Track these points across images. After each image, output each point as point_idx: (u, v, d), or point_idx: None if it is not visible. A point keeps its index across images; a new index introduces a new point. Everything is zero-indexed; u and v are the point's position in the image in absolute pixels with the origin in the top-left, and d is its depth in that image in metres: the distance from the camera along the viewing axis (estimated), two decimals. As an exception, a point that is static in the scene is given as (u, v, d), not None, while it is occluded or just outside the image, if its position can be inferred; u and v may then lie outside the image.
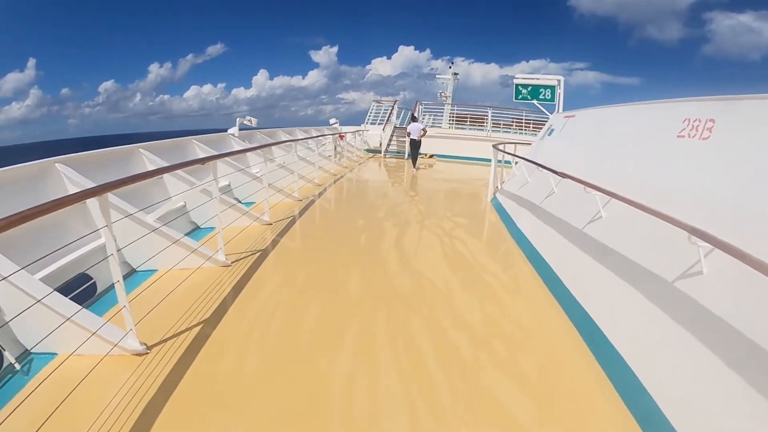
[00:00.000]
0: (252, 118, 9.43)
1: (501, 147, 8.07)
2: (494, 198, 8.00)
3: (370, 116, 18.70)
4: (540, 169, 5.64)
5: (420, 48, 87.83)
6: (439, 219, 6.68)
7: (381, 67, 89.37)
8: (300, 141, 9.72)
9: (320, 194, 8.24)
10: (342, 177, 10.38)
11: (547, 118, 9.39)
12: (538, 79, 9.56)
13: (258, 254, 4.40)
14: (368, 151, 17.41)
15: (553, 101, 9.67)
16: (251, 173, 6.91)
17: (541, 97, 9.62)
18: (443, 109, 21.33)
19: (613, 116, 5.08)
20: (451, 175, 13.11)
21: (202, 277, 3.67)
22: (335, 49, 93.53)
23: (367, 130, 17.54)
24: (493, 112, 17.46)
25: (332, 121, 17.78)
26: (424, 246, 5.17)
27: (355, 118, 18.20)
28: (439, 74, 30.73)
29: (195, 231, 5.33)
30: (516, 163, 7.78)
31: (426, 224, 6.29)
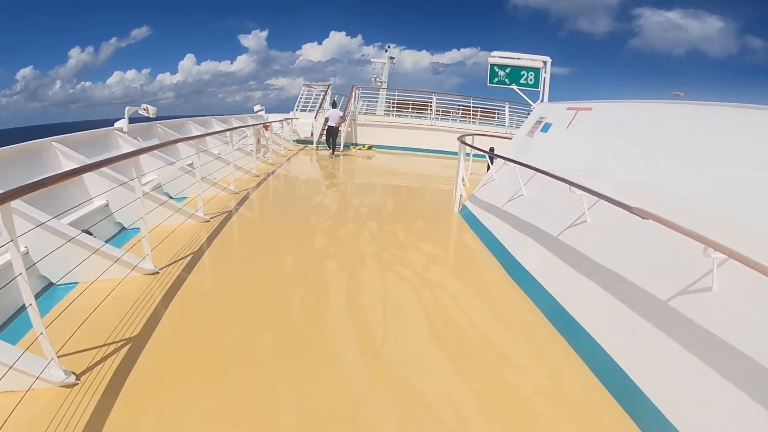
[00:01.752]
0: (149, 107, 7.20)
1: (468, 140, 6.64)
2: (463, 208, 6.47)
3: (300, 103, 16.52)
4: (539, 177, 4.17)
5: (352, 34, 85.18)
6: (399, 247, 5.01)
7: (312, 52, 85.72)
8: (213, 135, 7.58)
9: (237, 207, 6.26)
10: (266, 179, 8.38)
11: (524, 108, 7.95)
12: (519, 59, 7.82)
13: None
14: (298, 142, 15.31)
15: (537, 87, 7.88)
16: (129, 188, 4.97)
17: (522, 81, 7.85)
18: (378, 94, 19.67)
19: (672, 117, 3.55)
20: (396, 171, 11.52)
21: (131, 288, 3.31)
22: (265, 33, 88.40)
23: (297, 119, 15.40)
24: (437, 98, 15.99)
25: (257, 108, 15.44)
26: (392, 308, 3.48)
27: (285, 105, 16.05)
28: (374, 58, 29.11)
29: (121, 233, 4.91)
30: (491, 162, 6.27)
31: (384, 259, 4.57)
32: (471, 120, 16.26)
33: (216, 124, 10.83)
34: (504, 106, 16.06)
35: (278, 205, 7.26)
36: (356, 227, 5.79)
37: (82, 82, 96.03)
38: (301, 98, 16.59)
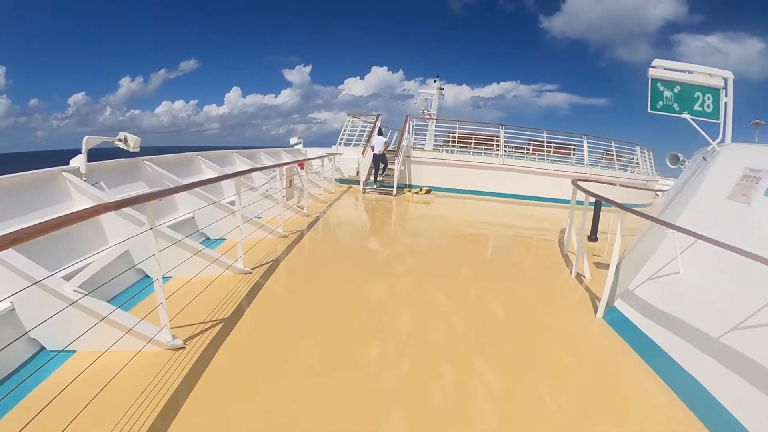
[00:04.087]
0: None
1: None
2: (611, 311, 3.83)
3: (344, 136, 14.19)
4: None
5: (393, 69, 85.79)
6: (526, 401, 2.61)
7: (354, 86, 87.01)
8: (223, 180, 5.13)
9: (251, 295, 3.83)
10: (297, 242, 5.77)
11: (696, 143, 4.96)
12: (691, 72, 4.68)
13: None
14: (341, 181, 12.86)
15: (716, 118, 4.69)
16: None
17: (696, 108, 4.68)
18: (427, 127, 17.15)
19: None
20: (475, 230, 8.68)
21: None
22: (308, 68, 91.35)
23: (341, 154, 12.99)
24: (506, 131, 13.23)
25: (293, 140, 13.13)
26: None
27: (328, 139, 13.77)
28: (422, 89, 26.99)
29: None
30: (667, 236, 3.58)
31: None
32: (546, 157, 13.33)
33: (239, 160, 8.48)
34: (582, 141, 13.18)
35: (283, 332, 4.49)
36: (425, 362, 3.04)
37: (132, 110, 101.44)
38: (345, 131, 14.27)
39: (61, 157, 4.41)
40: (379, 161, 11.75)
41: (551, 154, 13.50)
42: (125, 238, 3.08)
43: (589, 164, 12.89)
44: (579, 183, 6.36)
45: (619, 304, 3.78)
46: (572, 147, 13.91)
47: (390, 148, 11.94)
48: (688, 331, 3.04)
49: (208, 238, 5.58)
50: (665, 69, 4.62)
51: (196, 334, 2.92)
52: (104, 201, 3.86)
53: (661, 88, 4.61)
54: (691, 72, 4.63)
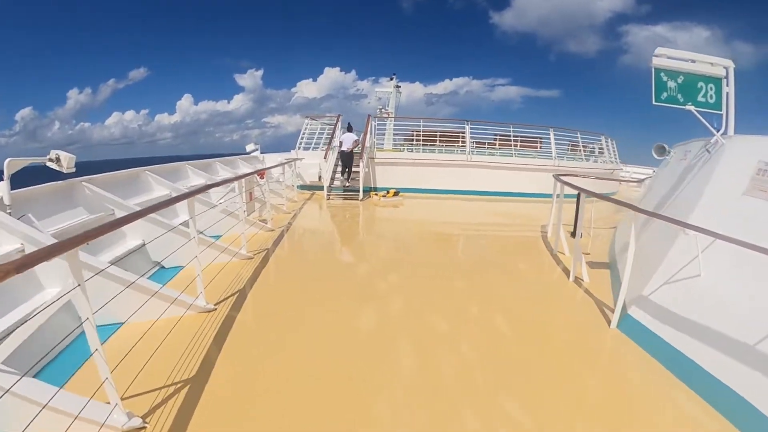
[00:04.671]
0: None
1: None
2: (626, 320, 3.52)
3: (302, 140, 13.50)
4: None
5: (346, 69, 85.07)
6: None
7: (307, 89, 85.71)
8: (174, 203, 4.42)
9: (219, 339, 3.17)
10: (264, 264, 5.14)
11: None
12: (694, 61, 4.39)
13: None
14: (302, 188, 12.20)
15: (718, 108, 4.44)
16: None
17: (700, 98, 4.39)
18: (385, 126, 16.74)
19: None
20: (453, 232, 8.29)
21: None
22: (260, 72, 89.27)
23: (301, 159, 12.31)
24: (471, 127, 12.98)
25: (249, 147, 12.30)
26: None
27: (283, 143, 12.93)
28: (379, 88, 26.55)
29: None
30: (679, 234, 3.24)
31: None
32: (513, 152, 13.21)
33: (192, 173, 7.70)
34: (548, 133, 13.14)
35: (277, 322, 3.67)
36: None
37: (81, 123, 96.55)
38: (303, 134, 13.57)
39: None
40: (348, 160, 11.23)
41: (518, 148, 13.40)
42: (60, 289, 2.82)
43: (557, 156, 12.85)
44: (561, 177, 6.14)
45: (635, 312, 3.45)
46: (539, 140, 13.89)
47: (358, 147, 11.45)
48: (717, 338, 2.77)
49: (163, 267, 4.88)
50: (668, 58, 4.33)
51: (157, 405, 2.34)
52: (35, 239, 3.27)
53: (665, 78, 4.32)
54: (693, 61, 4.37)
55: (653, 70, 4.28)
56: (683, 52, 4.36)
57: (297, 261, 5.73)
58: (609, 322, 3.55)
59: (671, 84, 4.30)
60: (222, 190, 6.49)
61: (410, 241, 7.17)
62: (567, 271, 4.95)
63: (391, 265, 5.55)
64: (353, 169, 11.32)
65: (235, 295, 3.97)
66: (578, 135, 13.77)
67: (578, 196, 6.51)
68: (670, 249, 3.52)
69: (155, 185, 6.26)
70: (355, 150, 11.31)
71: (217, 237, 5.89)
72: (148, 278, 3.67)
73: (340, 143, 11.25)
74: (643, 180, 11.02)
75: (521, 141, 13.61)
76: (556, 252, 5.89)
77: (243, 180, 6.58)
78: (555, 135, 13.13)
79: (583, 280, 4.63)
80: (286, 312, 3.76)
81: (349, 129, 11.58)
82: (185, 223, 4.80)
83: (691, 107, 4.29)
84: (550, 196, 12.11)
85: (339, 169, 11.75)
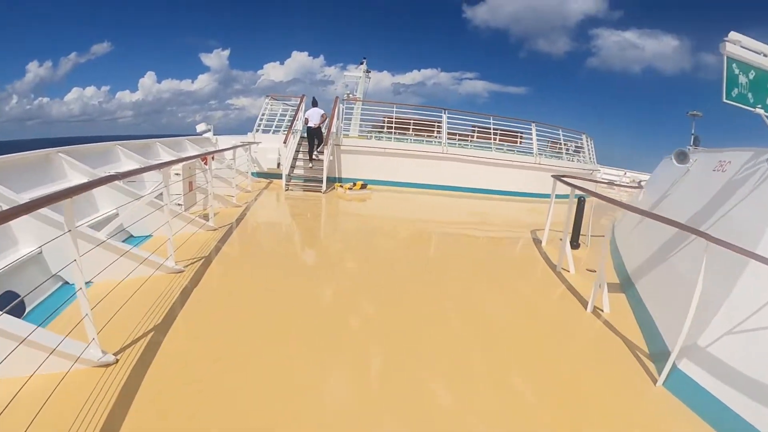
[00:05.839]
0: None
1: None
2: (680, 378, 2.65)
3: (262, 122, 12.13)
4: None
5: (314, 54, 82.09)
6: None
7: (273, 72, 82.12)
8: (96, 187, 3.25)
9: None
10: (199, 280, 3.99)
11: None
12: (766, 55, 3.42)
13: None
14: (258, 175, 10.91)
15: None
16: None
17: None
18: (353, 111, 15.54)
19: None
20: (432, 235, 7.30)
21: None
22: (227, 52, 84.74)
23: (258, 143, 10.98)
24: (449, 116, 12.02)
25: (200, 127, 10.86)
26: None
27: (246, 127, 11.64)
28: (348, 72, 25.14)
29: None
30: None
31: None
32: (493, 146, 12.35)
33: (124, 156, 6.32)
34: (530, 128, 12.40)
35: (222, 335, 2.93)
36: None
37: (40, 98, 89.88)
38: (263, 116, 12.21)
39: None
40: (314, 136, 10.26)
41: (497, 142, 12.57)
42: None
43: (538, 153, 12.13)
44: (567, 179, 5.31)
45: (687, 367, 2.61)
46: (519, 135, 13.13)
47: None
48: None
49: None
50: (742, 47, 3.38)
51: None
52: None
53: (737, 72, 3.37)
54: (766, 55, 3.47)
55: (725, 59, 3.32)
56: (756, 42, 3.43)
57: (246, 279, 4.34)
58: (652, 378, 2.70)
59: (743, 79, 3.39)
60: (160, 177, 5.26)
61: (382, 246, 6.12)
62: (577, 295, 4.13)
63: (363, 280, 4.50)
64: (320, 150, 10.30)
65: (140, 350, 2.82)
66: (560, 132, 13.10)
67: (579, 201, 5.71)
68: (735, 285, 2.67)
69: (68, 168, 4.93)
70: (323, 126, 10.29)
71: (141, 239, 4.68)
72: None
73: (306, 120, 10.23)
74: (639, 184, 10.38)
75: (501, 134, 12.80)
76: (560, 269, 5.00)
77: (181, 165, 5.37)
78: (537, 130, 12.39)
79: (602, 311, 3.78)
80: (215, 372, 2.67)
81: (314, 104, 10.45)
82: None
83: (760, 110, 3.40)
84: (531, 195, 11.55)
85: (300, 156, 10.55)
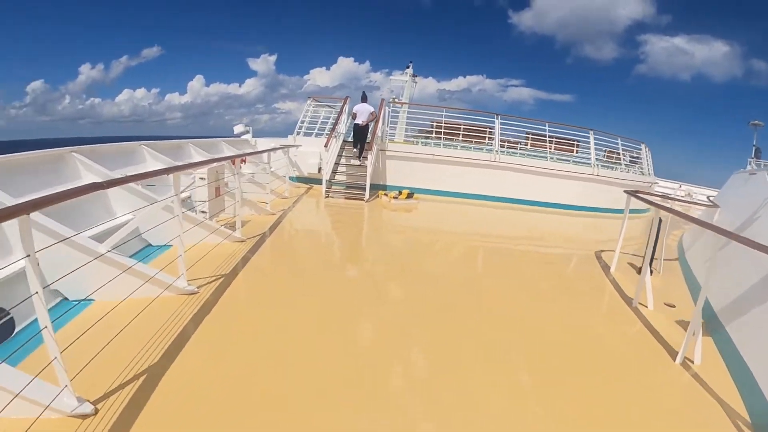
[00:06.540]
0: None
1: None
2: None
3: (303, 124, 11.59)
4: None
5: (359, 60, 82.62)
6: None
7: (319, 77, 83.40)
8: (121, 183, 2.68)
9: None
10: (212, 304, 3.30)
11: None
12: None
13: None
14: (297, 180, 10.33)
15: None
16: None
17: None
18: (398, 115, 14.72)
19: None
20: (490, 258, 6.24)
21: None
22: (274, 57, 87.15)
23: (298, 146, 10.41)
24: (501, 121, 11.02)
25: (238, 128, 10.44)
26: None
27: (291, 130, 11.15)
28: (394, 76, 24.47)
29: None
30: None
31: None
32: (550, 155, 11.24)
33: (150, 156, 5.82)
34: (587, 136, 11.21)
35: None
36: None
37: (92, 99, 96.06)
38: (305, 118, 11.67)
39: (19, 148, 3.98)
40: (360, 135, 9.65)
41: (552, 150, 11.45)
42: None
43: (596, 163, 10.92)
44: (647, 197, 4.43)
45: None
46: (576, 143, 11.97)
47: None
48: None
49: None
50: None
51: (112, 392, 2.14)
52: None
53: None
54: None
55: None
56: None
57: (264, 300, 3.64)
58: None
59: None
60: (186, 180, 4.69)
61: (432, 268, 5.14)
62: (658, 337, 3.41)
63: (405, 314, 3.62)
64: (363, 155, 9.62)
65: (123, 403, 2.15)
66: (619, 141, 11.82)
67: (659, 222, 4.84)
68: None
69: (82, 170, 4.41)
70: (370, 126, 9.67)
71: (159, 249, 4.12)
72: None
73: (354, 115, 9.61)
74: (711, 201, 9.00)
75: (556, 142, 11.66)
76: (637, 304, 4.07)
77: (206, 169, 4.76)
78: (595, 138, 11.19)
79: (692, 362, 3.00)
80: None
81: (364, 99, 9.78)
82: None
83: None
84: (588, 209, 10.43)
85: (342, 161, 9.89)
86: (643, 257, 4.86)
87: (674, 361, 3.00)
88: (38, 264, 3.09)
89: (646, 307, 4.01)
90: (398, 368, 2.65)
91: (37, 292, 1.84)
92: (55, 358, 1.91)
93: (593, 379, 2.79)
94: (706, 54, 62.27)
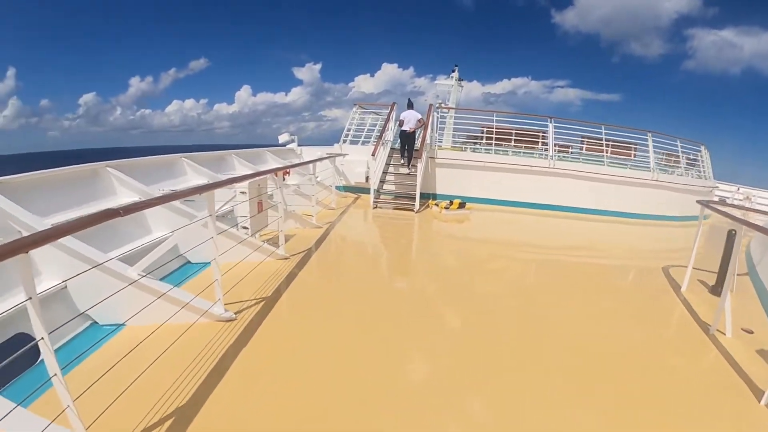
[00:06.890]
0: None
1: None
2: None
3: (350, 132, 11.34)
4: None
5: (403, 66, 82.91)
6: None
7: (364, 84, 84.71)
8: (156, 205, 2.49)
9: None
10: (250, 332, 2.99)
11: None
12: None
13: None
14: (345, 190, 10.06)
15: None
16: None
17: None
18: (444, 123, 14.12)
19: None
20: (549, 267, 5.60)
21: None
22: (319, 65, 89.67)
23: (345, 155, 10.14)
24: (555, 124, 10.25)
25: (283, 138, 10.33)
26: None
27: (338, 137, 10.91)
28: (439, 81, 23.92)
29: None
30: None
31: None
32: (605, 159, 10.35)
33: (189, 169, 5.68)
34: (645, 138, 10.25)
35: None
36: None
37: (142, 110, 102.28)
38: (351, 126, 11.42)
39: (73, 157, 4.19)
40: (407, 142, 9.31)
41: (609, 155, 10.54)
42: (63, 278, 2.87)
43: (655, 168, 9.97)
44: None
45: None
46: (633, 146, 10.99)
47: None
48: None
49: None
50: None
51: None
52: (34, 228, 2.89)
53: None
54: None
55: None
56: None
57: (307, 326, 3.26)
58: None
59: None
60: (227, 194, 4.45)
61: (488, 288, 4.58)
62: (739, 370, 2.90)
63: (460, 343, 3.15)
64: (412, 164, 9.26)
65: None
66: (678, 143, 10.75)
67: (729, 234, 4.20)
68: None
69: (117, 185, 4.27)
70: (418, 133, 9.32)
71: (200, 267, 3.89)
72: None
73: (401, 122, 9.30)
74: None
75: (613, 146, 10.73)
76: (714, 331, 3.46)
77: (248, 182, 4.51)
78: (654, 141, 10.21)
79: None
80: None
81: (410, 106, 9.46)
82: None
83: None
84: (646, 217, 9.52)
85: (391, 169, 9.51)
86: (718, 274, 4.37)
87: (759, 402, 2.52)
88: (66, 288, 2.91)
89: (724, 334, 3.40)
90: (452, 409, 2.33)
91: (42, 338, 1.67)
92: (68, 406, 1.75)
93: (667, 416, 2.38)
94: (755, 46, 57.23)
